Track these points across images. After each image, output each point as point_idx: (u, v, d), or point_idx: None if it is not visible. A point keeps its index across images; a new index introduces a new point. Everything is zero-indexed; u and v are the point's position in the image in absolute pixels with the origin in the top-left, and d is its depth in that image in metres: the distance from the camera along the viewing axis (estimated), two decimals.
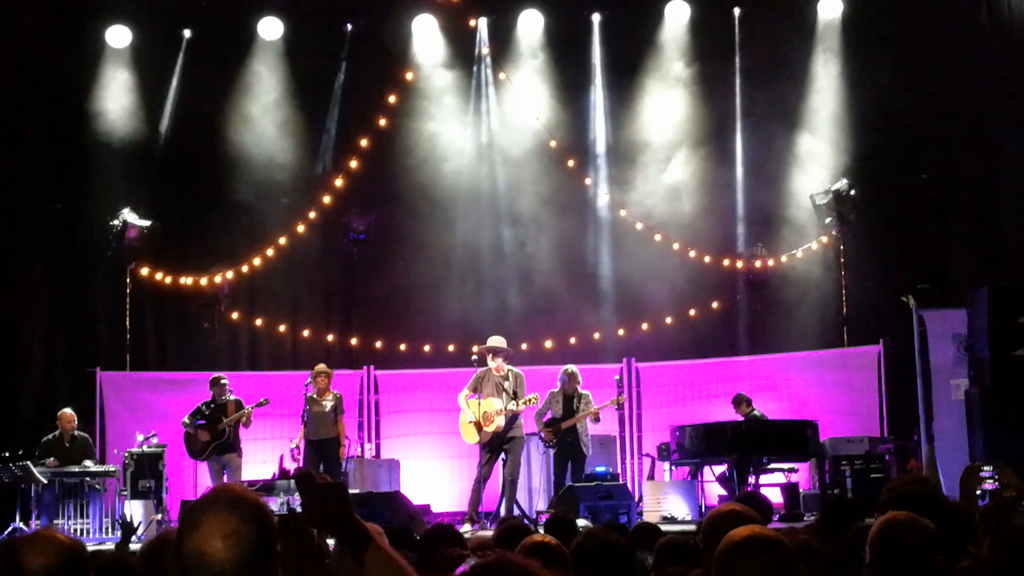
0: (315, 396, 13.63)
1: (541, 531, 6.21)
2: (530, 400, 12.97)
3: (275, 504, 12.38)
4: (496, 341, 13.24)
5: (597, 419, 13.56)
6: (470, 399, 13.08)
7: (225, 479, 13.49)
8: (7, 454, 13.20)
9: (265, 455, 14.64)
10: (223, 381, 13.94)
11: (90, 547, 6.08)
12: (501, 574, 2.29)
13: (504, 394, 12.88)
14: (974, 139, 16.01)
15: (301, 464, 13.36)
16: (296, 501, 11.47)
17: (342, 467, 13.68)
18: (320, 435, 13.57)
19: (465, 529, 11.99)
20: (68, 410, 13.95)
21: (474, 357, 13.47)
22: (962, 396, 12.95)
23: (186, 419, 13.82)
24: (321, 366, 13.89)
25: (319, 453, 13.56)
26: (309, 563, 3.18)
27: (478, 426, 12.89)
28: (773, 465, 13.71)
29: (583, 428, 13.39)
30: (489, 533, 8.76)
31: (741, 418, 14.10)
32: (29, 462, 13.10)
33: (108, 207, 16.20)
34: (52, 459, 13.46)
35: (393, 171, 16.87)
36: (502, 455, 12.98)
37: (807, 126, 16.50)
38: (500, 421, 12.83)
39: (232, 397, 13.87)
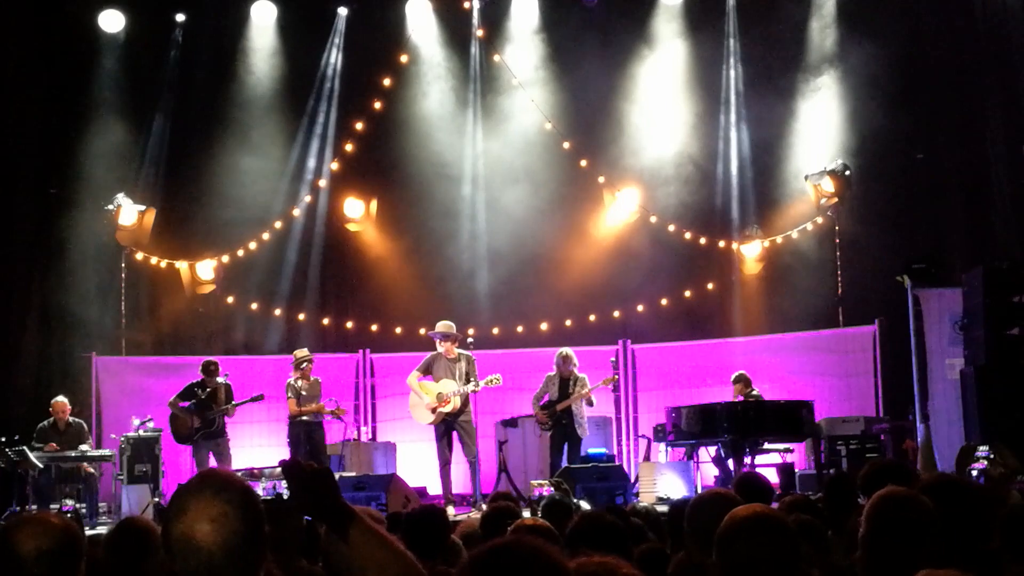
0: (303, 380, 13.80)
1: (542, 493, 6.18)
2: (491, 381, 13.00)
3: (259, 489, 12.38)
4: (444, 327, 13.36)
5: (591, 402, 13.58)
6: (421, 380, 13.20)
7: (212, 463, 13.50)
8: (3, 439, 13.16)
9: (259, 439, 14.65)
10: (214, 367, 13.93)
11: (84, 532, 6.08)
12: (516, 556, 2.26)
13: (456, 376, 12.99)
14: (968, 119, 15.96)
15: (289, 444, 13.60)
16: (282, 486, 11.52)
17: (327, 449, 13.96)
18: (311, 417, 13.79)
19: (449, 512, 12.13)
20: (61, 398, 13.90)
21: (470, 340, 13.51)
22: (957, 375, 12.93)
23: (173, 399, 13.78)
24: (304, 351, 14.01)
25: (308, 434, 13.76)
26: (294, 546, 3.18)
27: (436, 406, 12.99)
28: (768, 445, 13.71)
29: (579, 410, 13.41)
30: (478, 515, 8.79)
31: (739, 397, 14.06)
32: (25, 447, 13.08)
33: (102, 192, 16.17)
34: (51, 444, 13.45)
35: (388, 154, 16.84)
36: (455, 435, 13.17)
37: (803, 106, 16.46)
38: (456, 402, 12.99)
39: (223, 381, 13.85)
